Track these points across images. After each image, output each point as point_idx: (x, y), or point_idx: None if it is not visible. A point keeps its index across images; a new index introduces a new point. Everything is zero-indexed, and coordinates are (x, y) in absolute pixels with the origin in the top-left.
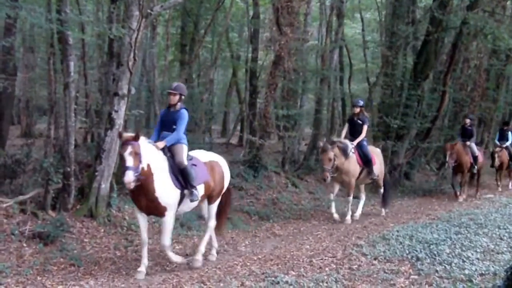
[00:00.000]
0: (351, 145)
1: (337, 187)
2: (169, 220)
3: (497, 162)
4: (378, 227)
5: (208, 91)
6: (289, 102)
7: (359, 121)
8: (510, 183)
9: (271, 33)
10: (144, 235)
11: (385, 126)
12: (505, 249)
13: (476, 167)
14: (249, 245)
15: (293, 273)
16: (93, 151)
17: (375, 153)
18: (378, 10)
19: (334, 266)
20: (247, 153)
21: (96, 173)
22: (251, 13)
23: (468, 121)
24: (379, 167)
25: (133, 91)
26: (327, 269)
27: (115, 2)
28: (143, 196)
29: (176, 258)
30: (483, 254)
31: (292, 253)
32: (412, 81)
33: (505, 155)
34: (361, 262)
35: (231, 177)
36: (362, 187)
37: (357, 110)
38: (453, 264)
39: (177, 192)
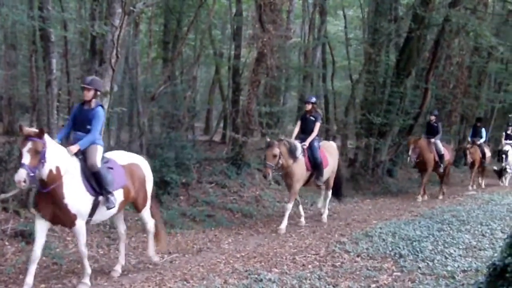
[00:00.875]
0: (301, 147)
1: None
2: (80, 228)
3: (469, 160)
4: (361, 224)
5: (191, 88)
6: (272, 99)
7: (311, 118)
8: (483, 182)
9: (254, 30)
10: (37, 250)
11: (367, 123)
12: (487, 245)
13: (442, 165)
14: (232, 242)
15: (276, 270)
16: None
17: (328, 149)
18: (360, 7)
19: (317, 263)
20: (230, 150)
21: None
22: (234, 10)
23: (433, 117)
24: (332, 166)
25: (115, 88)
26: (310, 266)
27: (97, 0)
28: (51, 204)
29: (89, 270)
30: (465, 250)
31: (275, 250)
32: (395, 78)
33: (477, 153)
34: (344, 259)
35: (214, 174)
36: (329, 184)
37: (309, 106)
38: (435, 261)
39: (90, 199)
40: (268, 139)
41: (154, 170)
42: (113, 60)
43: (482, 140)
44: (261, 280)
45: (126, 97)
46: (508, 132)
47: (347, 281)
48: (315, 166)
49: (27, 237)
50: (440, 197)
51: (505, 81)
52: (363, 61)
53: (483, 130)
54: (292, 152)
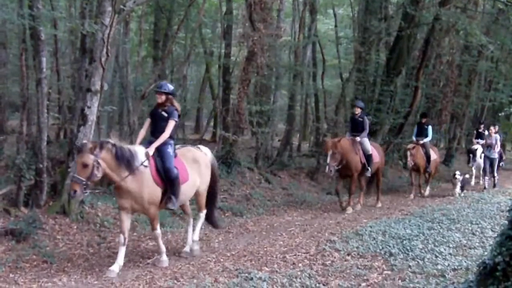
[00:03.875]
0: (143, 153)
1: (127, 220)
2: None
3: (409, 162)
4: (351, 223)
5: (181, 87)
6: (262, 98)
7: (163, 113)
8: (427, 189)
9: (244, 29)
10: None
11: None
12: (477, 244)
13: (370, 169)
14: (223, 241)
15: (267, 269)
16: (65, 148)
17: (191, 159)
18: (351, 6)
19: (308, 262)
20: (221, 149)
21: (69, 170)
22: (224, 9)
23: (358, 110)
24: (196, 182)
25: (106, 87)
26: (300, 265)
27: None
28: None
29: None
30: (455, 249)
31: (265, 249)
32: (385, 76)
33: (420, 154)
34: (334, 257)
35: None
36: (187, 207)
37: (162, 98)
38: (426, 259)
39: None
40: (79, 142)
41: None
42: (103, 59)
43: (426, 140)
44: (251, 279)
45: (116, 95)
46: (480, 130)
47: (338, 279)
48: (168, 181)
49: (17, 235)
50: (358, 207)
51: (495, 79)
52: (353, 59)
53: (429, 127)
54: (124, 161)
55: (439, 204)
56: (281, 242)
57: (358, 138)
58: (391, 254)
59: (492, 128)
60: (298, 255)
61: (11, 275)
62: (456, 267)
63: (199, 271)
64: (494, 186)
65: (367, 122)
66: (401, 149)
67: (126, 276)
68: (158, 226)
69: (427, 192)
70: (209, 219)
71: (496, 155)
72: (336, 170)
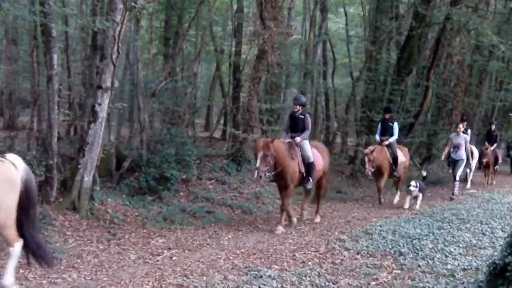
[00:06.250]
0: None
1: None
2: None
3: (367, 170)
4: (361, 221)
5: (191, 84)
6: (272, 96)
7: None
8: (381, 198)
9: (255, 27)
10: None
11: (368, 120)
12: (487, 244)
13: (311, 179)
14: (232, 239)
15: (276, 267)
16: (76, 144)
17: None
18: (362, 5)
19: (317, 260)
20: (231, 147)
21: (79, 166)
22: (235, 7)
23: (298, 107)
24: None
25: (116, 84)
26: (310, 263)
27: None
28: None
29: None
30: (465, 249)
31: (275, 247)
32: (396, 76)
33: (384, 156)
34: (344, 256)
35: (215, 170)
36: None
37: None
38: (435, 259)
39: None
40: None
41: (154, 166)
42: (114, 56)
43: (392, 139)
44: (261, 277)
45: (127, 92)
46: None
47: (347, 278)
48: None
49: None
50: (318, 219)
51: (506, 79)
52: (364, 58)
53: (395, 124)
54: None
55: (449, 204)
56: (291, 241)
57: (298, 139)
58: (401, 254)
59: (460, 125)
60: (308, 253)
61: (21, 271)
62: (466, 267)
63: (209, 268)
64: (452, 194)
65: (309, 121)
66: (410, 148)
67: (135, 273)
68: None
69: (396, 200)
70: (32, 253)
71: (463, 157)
72: (273, 176)
